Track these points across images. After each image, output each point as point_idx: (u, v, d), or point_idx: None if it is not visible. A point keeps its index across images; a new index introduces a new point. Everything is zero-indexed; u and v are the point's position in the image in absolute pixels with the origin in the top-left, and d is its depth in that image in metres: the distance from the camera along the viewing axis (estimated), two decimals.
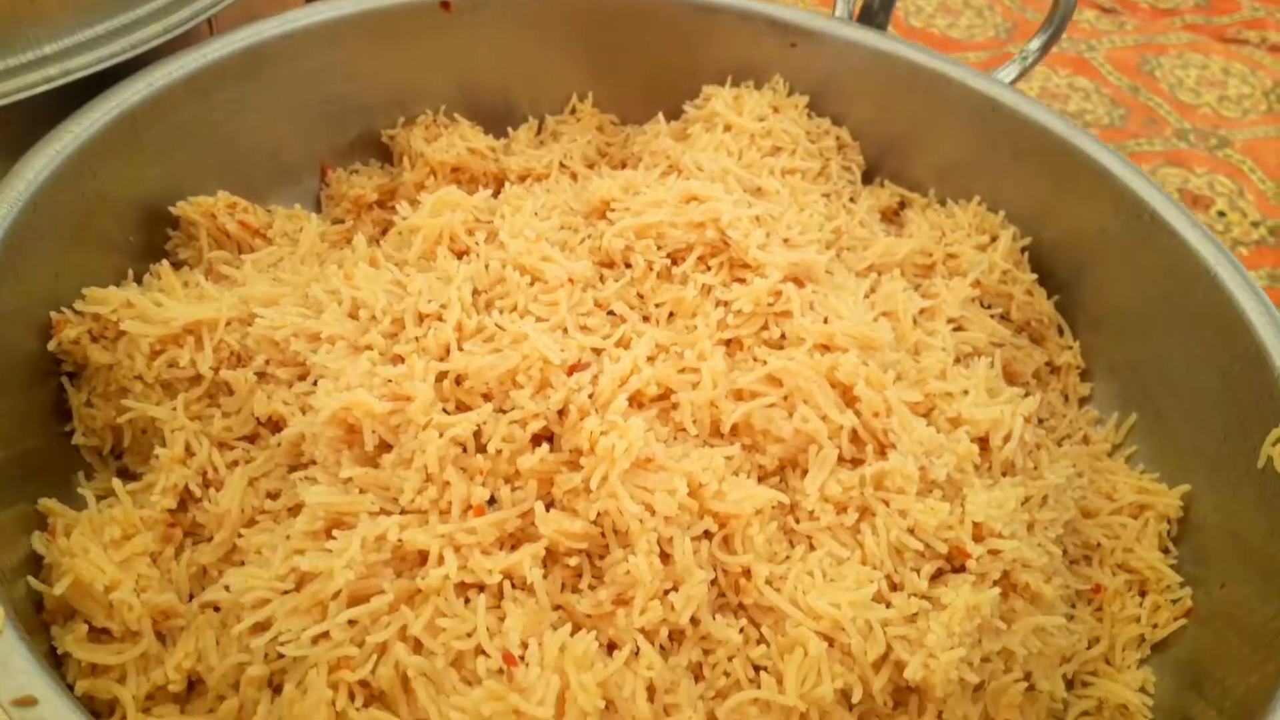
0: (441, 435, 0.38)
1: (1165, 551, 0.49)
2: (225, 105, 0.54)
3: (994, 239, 0.59)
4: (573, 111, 0.66)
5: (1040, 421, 0.54)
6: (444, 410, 0.40)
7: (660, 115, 0.63)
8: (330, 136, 0.61)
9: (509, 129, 0.64)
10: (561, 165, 0.61)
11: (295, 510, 0.40)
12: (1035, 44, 0.64)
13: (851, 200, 0.60)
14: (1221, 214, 0.96)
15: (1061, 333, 0.58)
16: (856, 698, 0.36)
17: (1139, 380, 0.55)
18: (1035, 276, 0.58)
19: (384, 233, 0.59)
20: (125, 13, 0.52)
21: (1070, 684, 0.45)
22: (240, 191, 0.54)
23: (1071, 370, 0.57)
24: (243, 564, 0.39)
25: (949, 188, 0.63)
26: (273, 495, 0.41)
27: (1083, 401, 0.57)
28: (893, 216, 0.63)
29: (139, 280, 0.49)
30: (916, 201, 0.63)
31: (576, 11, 0.64)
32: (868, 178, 0.65)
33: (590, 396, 0.39)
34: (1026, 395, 0.48)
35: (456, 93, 0.64)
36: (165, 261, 0.49)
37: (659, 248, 0.48)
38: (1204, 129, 1.06)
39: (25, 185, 0.43)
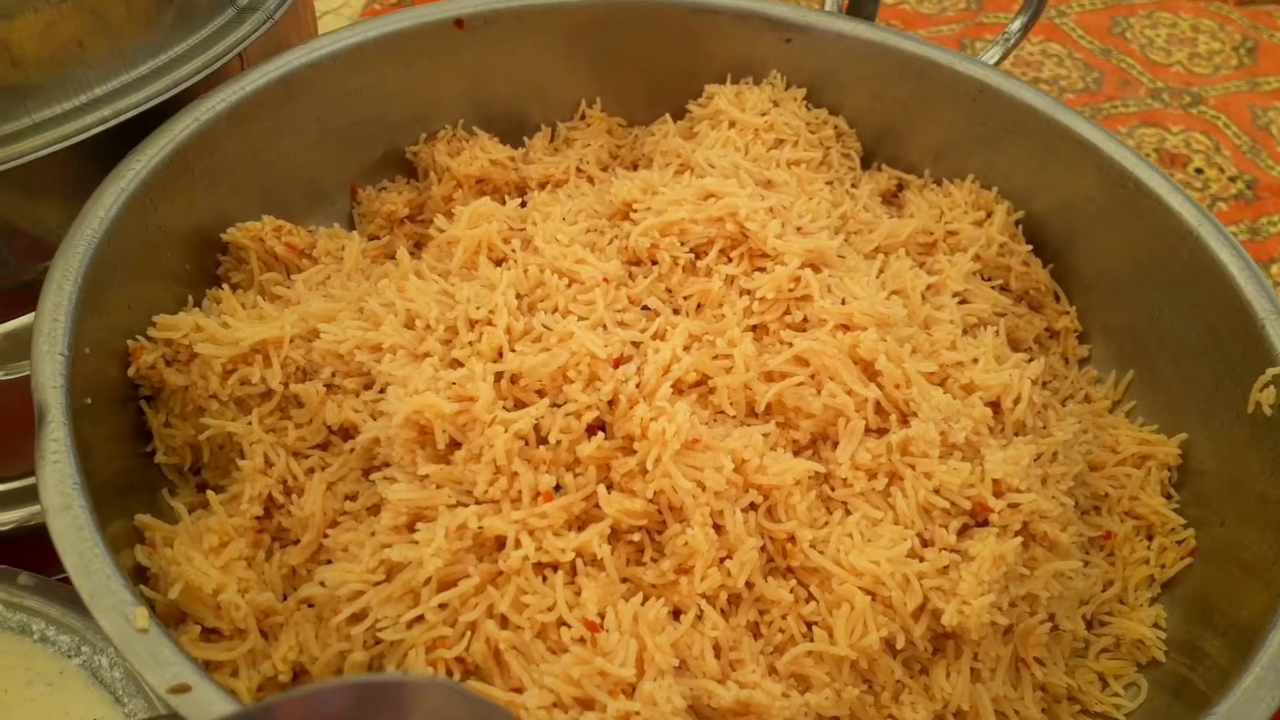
0: (506, 430, 0.42)
1: (1168, 497, 0.53)
2: (263, 134, 0.57)
3: (989, 214, 0.62)
4: (582, 117, 0.70)
5: (1044, 384, 0.58)
6: (503, 408, 0.43)
7: (667, 116, 0.67)
8: (358, 157, 0.64)
9: (524, 138, 0.68)
10: (578, 170, 0.64)
11: (374, 509, 0.44)
12: (1016, 25, 0.68)
13: (853, 186, 0.64)
14: (1199, 171, 0.98)
15: (1058, 299, 0.62)
16: (900, 645, 0.40)
17: (1133, 339, 0.59)
18: (1030, 247, 0.62)
19: (416, 245, 0.62)
20: (165, 52, 0.55)
21: (1089, 624, 0.49)
22: (279, 215, 0.58)
23: (1069, 334, 0.61)
24: (329, 562, 0.43)
25: (943, 168, 0.66)
26: (350, 497, 0.45)
27: (1082, 363, 0.61)
28: (891, 198, 0.67)
29: (198, 305, 0.53)
30: (913, 183, 0.67)
31: (580, 20, 0.67)
32: (865, 163, 0.69)
33: (637, 386, 0.43)
34: (1031, 359, 0.52)
35: (471, 107, 0.67)
36: (225, 286, 0.52)
37: (682, 243, 0.51)
38: (1177, 87, 1.08)
39: (99, 222, 0.47)
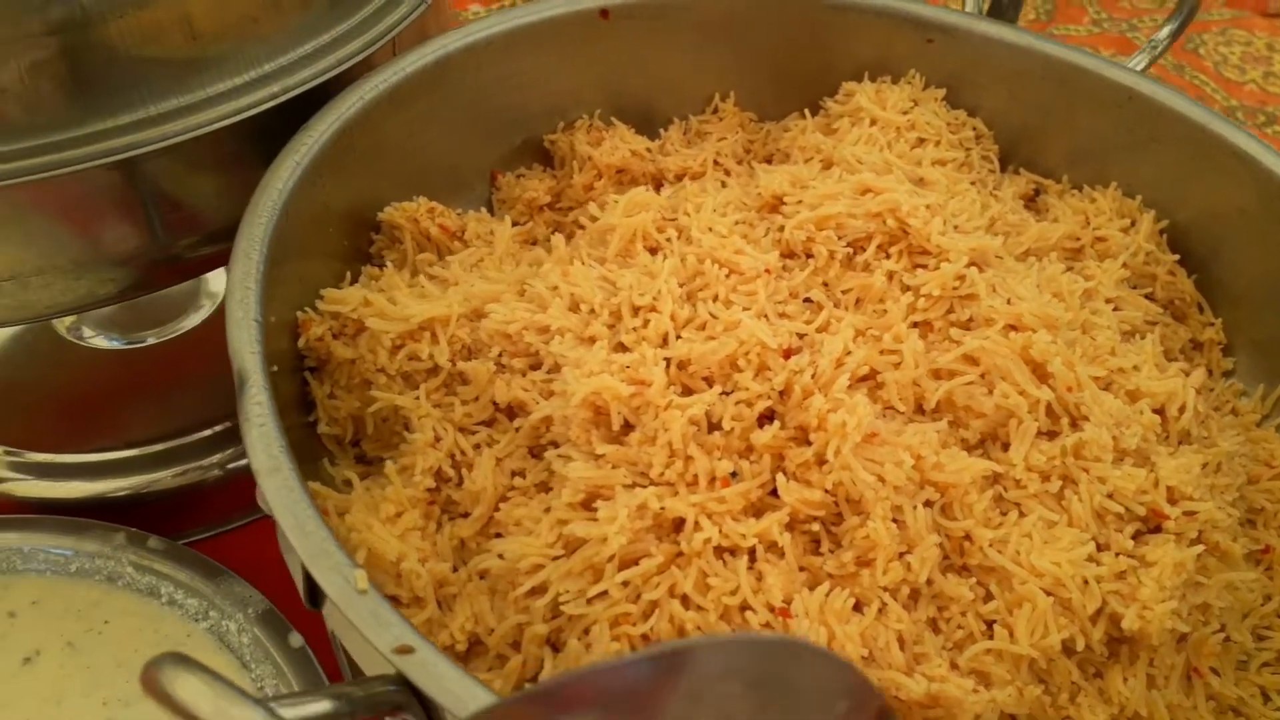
0: (682, 415, 0.42)
1: None
2: (418, 117, 0.58)
3: (1133, 222, 0.61)
4: (714, 111, 0.70)
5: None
6: (673, 393, 0.43)
7: (806, 112, 0.67)
8: (498, 144, 0.65)
9: (656, 130, 0.68)
10: (715, 162, 0.65)
11: (542, 487, 0.45)
12: (1164, 33, 0.67)
13: (995, 189, 0.63)
14: None
15: (1201, 310, 0.61)
16: (1079, 647, 0.40)
17: None
18: (1177, 257, 0.61)
19: (554, 232, 0.63)
20: (327, 31, 0.56)
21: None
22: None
23: (1214, 346, 0.60)
24: (498, 535, 0.44)
25: (1081, 174, 0.66)
26: (518, 474, 0.45)
27: (1225, 375, 0.60)
28: (1028, 203, 0.66)
29: (354, 281, 0.53)
30: (1051, 188, 0.66)
31: (717, 14, 0.68)
32: (1000, 166, 0.68)
33: (813, 377, 0.43)
34: (1188, 370, 0.51)
35: (605, 99, 0.68)
36: (389, 264, 0.53)
37: (839, 238, 0.51)
38: (1251, 106, 1.07)
39: (278, 194, 0.48)
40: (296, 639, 0.60)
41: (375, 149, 0.56)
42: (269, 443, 0.37)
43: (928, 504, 0.42)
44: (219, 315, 0.81)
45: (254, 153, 0.55)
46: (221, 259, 0.64)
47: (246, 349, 0.40)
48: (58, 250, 0.54)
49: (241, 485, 0.76)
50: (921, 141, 0.63)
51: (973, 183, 0.62)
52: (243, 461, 0.75)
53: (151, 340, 0.80)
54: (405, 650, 0.31)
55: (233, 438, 0.75)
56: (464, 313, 0.49)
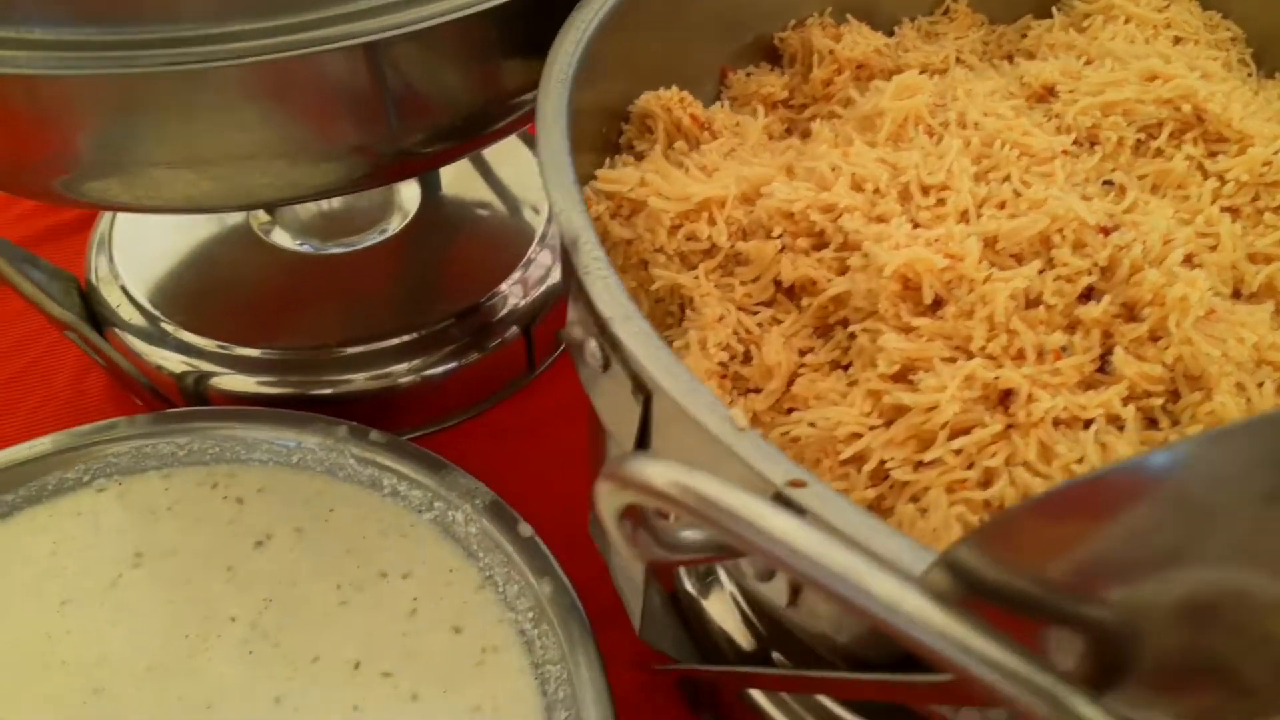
0: (1006, 286, 0.40)
1: None
2: (667, 7, 0.57)
3: None
4: (945, 12, 0.67)
5: None
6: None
7: (1054, 11, 0.64)
8: (729, 42, 0.63)
9: (893, 29, 0.66)
10: (958, 59, 0.62)
11: (834, 365, 0.44)
12: None
13: (1257, 92, 0.60)
14: None
15: None
16: None
17: None
18: None
19: (787, 130, 0.61)
20: None
21: None
22: None
23: None
24: (791, 411, 0.43)
25: None
26: (804, 351, 0.44)
27: None
28: None
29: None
30: None
31: None
32: None
33: (1142, 252, 0.41)
34: None
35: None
36: (656, 148, 0.52)
37: (1129, 124, 0.49)
38: None
39: (566, 66, 0.47)
40: (526, 528, 0.60)
41: (638, 38, 0.55)
42: (614, 293, 0.36)
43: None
44: (410, 228, 0.82)
45: (493, 45, 0.55)
46: (444, 159, 0.64)
47: (574, 209, 0.39)
48: (323, 131, 0.54)
49: (434, 393, 0.77)
50: (1179, 40, 0.60)
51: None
52: (434, 370, 0.76)
53: (343, 249, 0.81)
54: (798, 484, 0.30)
55: (419, 349, 0.76)
56: (737, 194, 0.48)
